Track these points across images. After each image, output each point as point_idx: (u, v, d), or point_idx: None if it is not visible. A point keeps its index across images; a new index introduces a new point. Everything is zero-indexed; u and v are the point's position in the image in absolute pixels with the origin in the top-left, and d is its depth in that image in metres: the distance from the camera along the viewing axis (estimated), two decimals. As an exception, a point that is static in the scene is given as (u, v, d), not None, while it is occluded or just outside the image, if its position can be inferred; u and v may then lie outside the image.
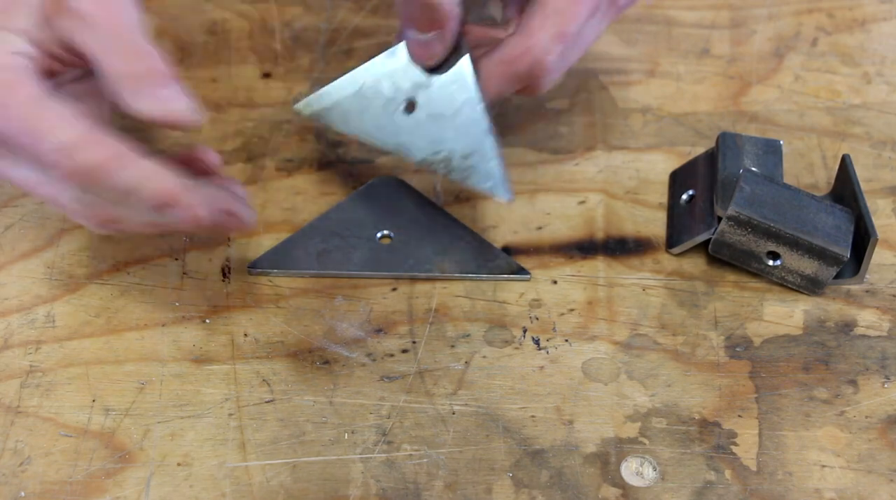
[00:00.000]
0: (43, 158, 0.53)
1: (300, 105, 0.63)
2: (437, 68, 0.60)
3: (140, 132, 0.63)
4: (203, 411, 0.57)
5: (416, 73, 0.61)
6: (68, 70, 0.56)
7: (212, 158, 0.58)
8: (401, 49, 0.61)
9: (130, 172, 0.53)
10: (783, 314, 0.61)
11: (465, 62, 0.60)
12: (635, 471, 0.55)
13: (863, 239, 0.60)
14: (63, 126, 0.52)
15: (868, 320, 0.61)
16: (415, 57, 0.60)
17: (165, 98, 0.54)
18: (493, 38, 0.63)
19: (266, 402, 0.58)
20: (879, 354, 0.59)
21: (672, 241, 0.63)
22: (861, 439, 0.56)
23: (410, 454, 0.56)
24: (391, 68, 0.61)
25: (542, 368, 0.59)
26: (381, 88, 0.62)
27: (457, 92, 0.60)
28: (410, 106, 0.61)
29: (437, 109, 0.61)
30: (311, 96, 0.63)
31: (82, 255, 0.63)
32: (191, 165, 0.58)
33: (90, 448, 0.56)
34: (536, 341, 0.60)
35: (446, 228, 0.64)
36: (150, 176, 0.53)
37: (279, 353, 0.59)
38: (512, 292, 0.62)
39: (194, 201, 0.54)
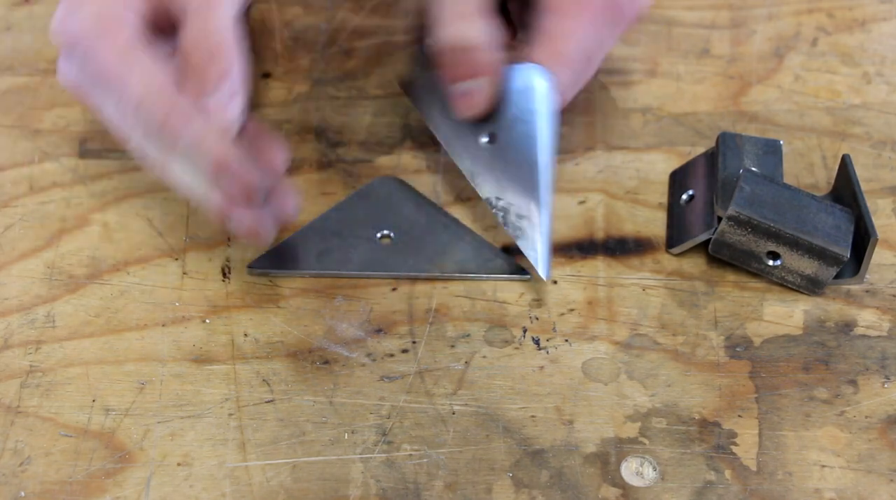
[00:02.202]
0: (123, 100, 0.55)
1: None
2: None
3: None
4: (203, 411, 0.57)
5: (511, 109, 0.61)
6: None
7: (279, 158, 0.58)
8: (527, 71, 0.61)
9: (193, 129, 0.54)
10: (783, 314, 0.61)
11: (544, 118, 0.60)
12: (635, 471, 0.55)
13: (863, 239, 0.60)
14: (144, 76, 0.55)
15: (868, 320, 0.61)
16: (458, 111, 0.60)
17: (218, 101, 0.56)
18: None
19: (266, 402, 0.58)
20: (879, 354, 0.59)
21: (672, 241, 0.63)
22: (861, 439, 0.56)
23: (410, 454, 0.56)
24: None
25: (542, 368, 0.59)
26: None
27: (529, 144, 0.61)
28: (493, 137, 0.62)
29: (511, 154, 0.61)
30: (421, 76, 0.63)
31: (82, 255, 0.63)
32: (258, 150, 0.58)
33: (90, 448, 0.56)
34: (536, 341, 0.60)
35: (446, 228, 0.64)
36: (211, 138, 0.55)
37: (279, 353, 0.59)
38: (512, 292, 0.62)
39: (248, 176, 0.55)
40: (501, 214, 0.61)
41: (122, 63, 0.56)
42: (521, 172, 0.61)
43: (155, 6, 0.58)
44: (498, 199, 0.61)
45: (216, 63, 0.56)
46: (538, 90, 0.61)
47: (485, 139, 0.62)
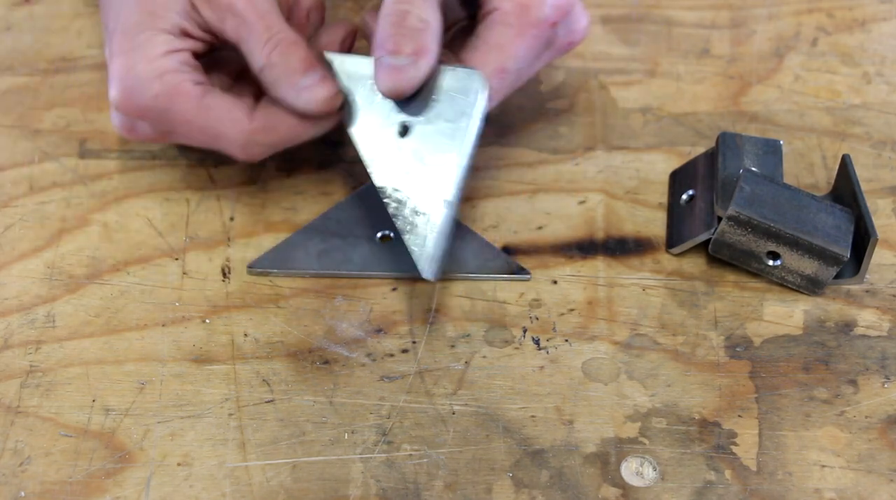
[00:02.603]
0: (221, 149, 0.61)
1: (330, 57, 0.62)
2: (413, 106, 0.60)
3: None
4: (203, 411, 0.57)
5: (430, 104, 0.60)
6: (212, 50, 0.62)
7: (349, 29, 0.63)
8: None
9: (309, 132, 0.60)
10: (783, 314, 0.61)
11: (474, 123, 0.59)
12: (635, 471, 0.55)
13: (863, 239, 0.60)
14: (235, 125, 0.59)
15: (868, 320, 0.61)
16: (383, 83, 0.58)
17: (304, 87, 0.58)
18: None
19: (266, 402, 0.58)
20: (879, 354, 0.59)
21: (672, 241, 0.63)
22: (861, 439, 0.56)
23: (410, 454, 0.56)
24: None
25: (542, 368, 0.59)
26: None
27: (448, 145, 0.59)
28: (406, 129, 0.60)
29: (425, 151, 0.59)
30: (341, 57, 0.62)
31: (82, 255, 0.63)
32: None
33: (90, 448, 0.56)
34: (536, 341, 0.60)
35: (446, 228, 0.64)
36: (325, 128, 0.61)
37: (279, 353, 0.59)
38: (512, 292, 0.62)
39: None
40: (395, 204, 0.59)
41: (204, 116, 0.59)
42: (431, 170, 0.59)
43: (198, 45, 0.61)
44: (395, 190, 0.59)
45: (297, 52, 0.59)
46: (473, 95, 0.59)
47: (396, 128, 0.60)
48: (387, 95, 0.59)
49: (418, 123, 0.59)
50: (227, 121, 0.59)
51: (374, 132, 0.60)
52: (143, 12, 0.59)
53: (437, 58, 0.58)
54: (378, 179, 0.60)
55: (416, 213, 0.59)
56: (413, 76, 0.58)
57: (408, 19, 0.58)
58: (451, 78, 0.59)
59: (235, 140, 0.59)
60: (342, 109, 0.61)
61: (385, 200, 0.59)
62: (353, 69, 0.61)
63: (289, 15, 0.63)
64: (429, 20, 0.58)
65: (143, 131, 0.61)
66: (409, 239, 0.59)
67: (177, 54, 0.59)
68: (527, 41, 0.61)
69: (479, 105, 0.58)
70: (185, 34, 0.60)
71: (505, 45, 0.60)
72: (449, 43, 0.64)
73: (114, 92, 0.59)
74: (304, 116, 0.59)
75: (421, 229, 0.58)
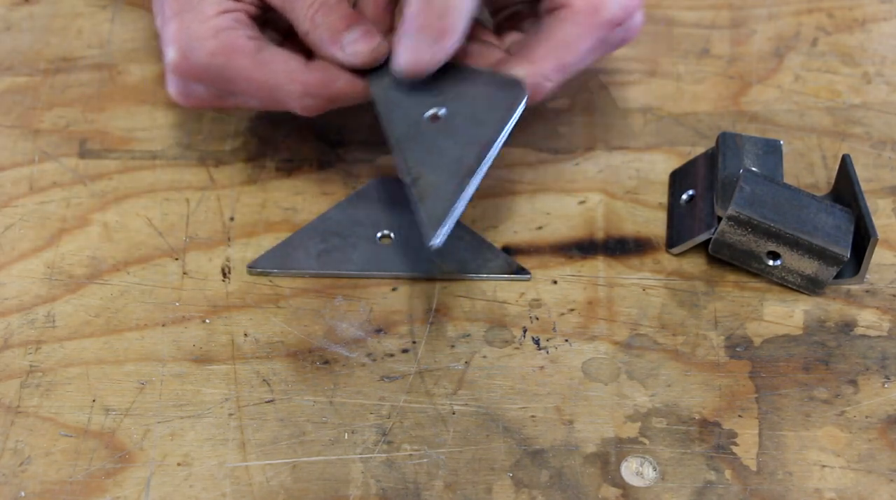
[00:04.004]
0: (280, 105, 0.61)
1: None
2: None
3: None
4: (203, 411, 0.57)
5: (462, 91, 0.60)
6: (264, 14, 0.62)
7: None
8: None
9: (362, 89, 0.61)
10: (783, 314, 0.61)
11: (507, 129, 0.58)
12: (635, 471, 0.55)
13: (863, 239, 0.60)
14: (293, 77, 0.60)
15: (868, 320, 0.61)
16: (402, 60, 0.58)
17: (348, 43, 0.59)
18: (490, 59, 0.63)
19: (266, 402, 0.58)
20: (879, 354, 0.59)
21: (672, 241, 0.63)
22: (861, 439, 0.56)
23: (410, 454, 0.56)
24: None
25: (542, 368, 0.59)
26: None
27: (476, 137, 0.58)
28: (435, 117, 0.59)
29: (450, 137, 0.58)
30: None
31: (82, 255, 0.63)
32: None
33: (90, 448, 0.56)
34: (536, 341, 0.60)
35: (446, 228, 0.64)
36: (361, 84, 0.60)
37: (279, 353, 0.59)
38: (512, 292, 0.62)
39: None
40: (411, 177, 0.57)
41: (262, 71, 0.60)
42: (453, 154, 0.58)
43: (250, 7, 0.61)
44: (417, 163, 0.58)
45: (339, 10, 0.60)
46: (511, 103, 0.59)
47: (426, 113, 0.59)
48: (403, 75, 0.58)
49: (451, 116, 0.59)
50: (284, 73, 0.59)
51: (404, 112, 0.60)
52: None
53: (462, 38, 0.58)
54: (400, 151, 0.59)
55: (432, 186, 0.57)
56: (433, 57, 0.58)
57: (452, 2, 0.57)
58: (492, 83, 0.60)
59: (293, 92, 0.60)
60: (379, 86, 0.61)
61: (402, 175, 0.58)
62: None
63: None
64: (468, 2, 0.57)
65: (199, 95, 0.62)
66: (422, 206, 0.57)
67: (230, 14, 0.60)
68: (592, 41, 0.61)
69: (516, 114, 0.59)
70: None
71: (571, 44, 0.60)
72: (498, 26, 0.64)
73: (171, 53, 0.60)
74: (354, 71, 0.60)
75: (436, 197, 0.57)
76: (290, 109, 0.61)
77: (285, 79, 0.60)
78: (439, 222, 0.56)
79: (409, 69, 0.58)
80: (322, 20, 0.60)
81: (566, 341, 0.60)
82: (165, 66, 0.61)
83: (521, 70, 0.60)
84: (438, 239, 0.56)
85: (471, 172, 0.57)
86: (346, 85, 0.60)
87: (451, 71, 0.60)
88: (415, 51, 0.58)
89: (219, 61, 0.59)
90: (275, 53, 0.60)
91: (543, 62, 0.60)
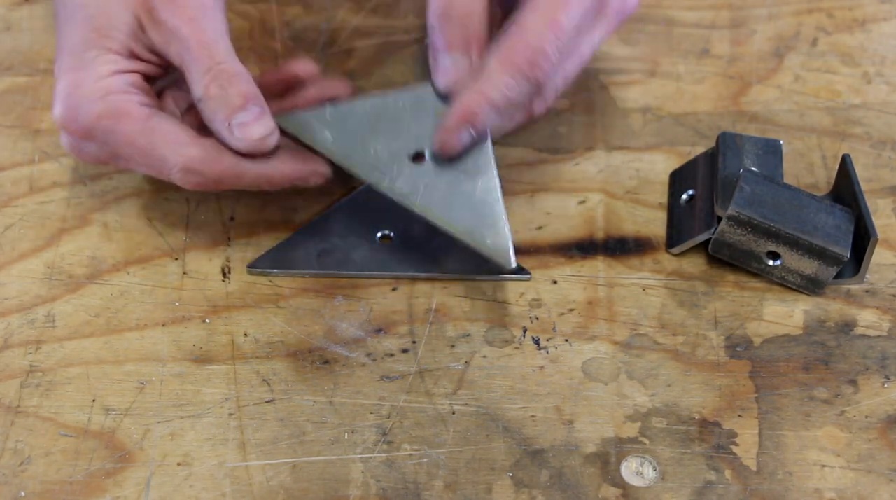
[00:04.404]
0: (163, 176, 0.58)
1: (281, 120, 0.60)
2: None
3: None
4: (203, 411, 0.57)
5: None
6: (167, 73, 0.61)
7: (307, 68, 0.63)
8: (426, 93, 0.60)
9: (249, 177, 0.58)
10: (783, 314, 0.61)
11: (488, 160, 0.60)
12: (635, 471, 0.55)
13: (863, 239, 0.60)
14: (178, 150, 0.57)
15: (868, 320, 0.61)
16: (442, 82, 0.59)
17: (238, 124, 0.57)
18: None
19: (266, 402, 0.58)
20: (879, 354, 0.59)
21: (672, 241, 0.63)
22: (861, 439, 0.56)
23: (410, 454, 0.56)
24: (412, 108, 0.61)
25: (542, 368, 0.59)
26: (398, 122, 0.60)
27: (473, 168, 0.60)
28: (419, 156, 0.60)
29: (449, 172, 0.60)
30: (302, 114, 0.61)
31: (82, 255, 0.63)
32: (288, 82, 0.63)
33: (90, 448, 0.56)
34: (536, 341, 0.60)
35: (446, 228, 0.64)
36: (267, 173, 0.58)
37: (279, 353, 0.59)
38: (512, 292, 0.62)
39: (307, 171, 0.60)
40: (452, 230, 0.59)
41: (147, 139, 0.58)
42: (468, 187, 0.59)
43: (149, 68, 0.60)
44: (449, 220, 0.59)
45: (237, 85, 0.58)
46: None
47: (409, 156, 0.60)
48: (445, 93, 0.59)
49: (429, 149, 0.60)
50: (170, 145, 0.57)
51: (396, 165, 0.60)
52: (90, 31, 0.58)
53: (486, 45, 0.58)
54: (418, 205, 0.60)
55: (474, 231, 0.59)
56: (463, 72, 0.59)
57: (454, 9, 0.57)
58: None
59: (175, 165, 0.58)
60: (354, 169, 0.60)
61: (438, 225, 0.59)
62: (341, 114, 0.61)
63: (281, 94, 0.63)
64: (474, 8, 0.58)
65: (90, 152, 0.60)
66: (482, 249, 0.59)
67: (124, 75, 0.58)
68: (576, 8, 0.59)
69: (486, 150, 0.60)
70: (134, 55, 0.59)
71: (561, 4, 0.58)
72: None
73: (58, 110, 0.58)
74: (242, 154, 0.58)
75: (490, 240, 0.59)
76: (175, 182, 0.59)
77: (168, 151, 0.57)
78: (508, 248, 0.59)
79: (451, 90, 0.59)
80: (216, 92, 0.57)
81: (566, 341, 0.60)
82: (54, 121, 0.59)
83: (515, 37, 0.58)
84: (513, 261, 0.59)
85: (501, 204, 0.59)
86: (230, 168, 0.58)
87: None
88: (451, 72, 0.59)
89: (105, 124, 0.57)
90: (162, 122, 0.58)
91: (534, 24, 0.58)
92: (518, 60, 0.58)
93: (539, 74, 0.58)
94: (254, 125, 0.57)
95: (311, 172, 0.60)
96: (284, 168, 0.59)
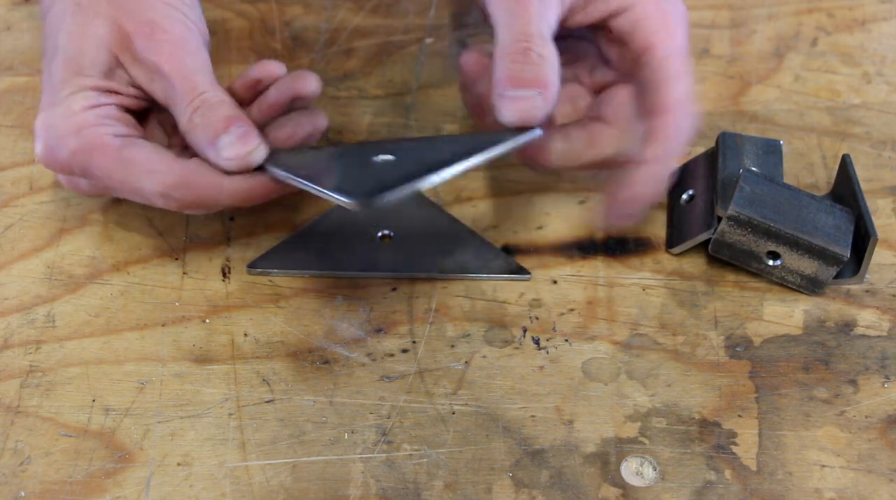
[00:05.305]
0: (149, 202, 0.59)
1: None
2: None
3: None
4: (203, 411, 0.57)
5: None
6: (149, 103, 0.61)
7: (272, 70, 0.62)
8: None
9: (226, 196, 0.58)
10: (783, 314, 0.61)
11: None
12: (635, 471, 0.55)
13: (863, 239, 0.60)
14: (153, 178, 0.58)
15: (868, 320, 0.61)
16: (509, 114, 0.57)
17: (223, 145, 0.57)
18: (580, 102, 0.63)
19: (266, 402, 0.58)
20: (879, 354, 0.59)
21: (672, 241, 0.63)
22: (861, 439, 0.56)
23: (410, 454, 0.56)
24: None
25: (542, 368, 0.59)
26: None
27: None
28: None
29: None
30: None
31: (82, 255, 0.63)
32: (255, 86, 0.62)
33: (90, 448, 0.56)
34: (536, 341, 0.60)
35: (446, 228, 0.64)
36: (243, 191, 0.58)
37: (279, 353, 0.59)
38: (512, 292, 0.62)
39: (279, 191, 0.59)
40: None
41: (123, 170, 0.58)
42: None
43: (128, 101, 0.60)
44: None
45: (219, 110, 0.58)
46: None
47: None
48: (513, 124, 0.57)
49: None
50: (145, 174, 0.58)
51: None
52: (66, 69, 0.59)
53: (557, 93, 0.58)
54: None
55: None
56: (538, 107, 0.57)
57: (529, 55, 0.57)
58: None
59: (153, 192, 0.58)
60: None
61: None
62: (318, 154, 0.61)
63: (252, 100, 0.63)
64: (547, 56, 0.58)
65: (78, 184, 0.61)
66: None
67: (98, 109, 0.58)
68: (686, 61, 0.60)
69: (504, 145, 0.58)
70: (111, 91, 0.59)
71: (683, 73, 0.60)
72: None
73: (38, 147, 0.59)
74: (227, 173, 0.58)
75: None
76: (160, 207, 0.59)
77: (144, 180, 0.58)
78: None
79: (519, 122, 0.57)
80: (200, 121, 0.58)
81: (566, 341, 0.60)
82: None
83: (667, 121, 0.59)
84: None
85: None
86: (207, 190, 0.58)
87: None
88: (520, 103, 0.57)
89: (80, 159, 0.58)
90: (137, 151, 0.58)
91: (679, 105, 0.59)
92: (679, 141, 0.60)
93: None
94: (237, 144, 0.57)
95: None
96: (263, 183, 0.59)
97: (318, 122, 0.62)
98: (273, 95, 0.62)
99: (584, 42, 0.64)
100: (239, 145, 0.57)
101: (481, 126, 0.63)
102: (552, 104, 0.57)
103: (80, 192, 0.62)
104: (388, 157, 0.57)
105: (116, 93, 0.59)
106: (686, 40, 0.61)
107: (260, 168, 0.58)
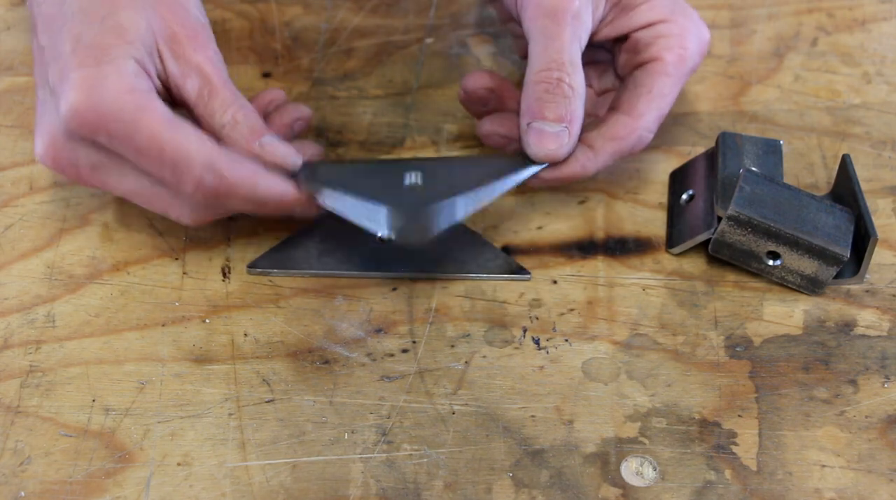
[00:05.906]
0: (171, 182, 0.57)
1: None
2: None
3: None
4: (203, 411, 0.57)
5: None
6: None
7: (273, 97, 0.65)
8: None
9: (264, 186, 0.58)
10: (783, 314, 0.61)
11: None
12: (635, 471, 0.55)
13: (863, 239, 0.60)
14: (203, 145, 0.57)
15: (868, 320, 0.61)
16: (536, 150, 0.60)
17: (267, 142, 0.59)
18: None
19: (266, 402, 0.58)
20: (879, 354, 0.59)
21: (672, 241, 0.63)
22: (861, 439, 0.56)
23: (410, 454, 0.56)
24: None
25: (542, 368, 0.59)
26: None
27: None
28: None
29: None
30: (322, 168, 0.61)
31: (82, 255, 0.63)
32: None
33: (90, 448, 0.56)
34: (536, 341, 0.60)
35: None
36: (278, 188, 0.58)
37: (279, 353, 0.59)
38: (512, 292, 0.62)
39: (307, 210, 0.60)
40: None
41: (173, 134, 0.56)
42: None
43: (156, 79, 0.59)
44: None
45: (257, 118, 0.59)
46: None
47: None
48: (540, 161, 0.60)
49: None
50: (194, 141, 0.56)
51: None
52: (112, 34, 0.57)
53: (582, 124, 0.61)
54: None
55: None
56: (564, 143, 0.60)
57: (560, 87, 0.59)
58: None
59: (199, 162, 0.56)
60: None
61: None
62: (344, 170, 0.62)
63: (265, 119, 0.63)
64: (577, 87, 0.60)
65: (73, 160, 0.58)
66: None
67: (147, 80, 0.57)
68: (679, 89, 0.63)
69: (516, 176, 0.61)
70: (155, 76, 0.58)
71: (667, 95, 0.63)
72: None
73: (73, 98, 0.55)
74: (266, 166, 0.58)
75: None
76: (181, 190, 0.57)
77: (193, 146, 0.56)
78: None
79: (546, 159, 0.60)
80: (242, 119, 0.58)
81: (566, 341, 0.60)
82: (53, 120, 0.57)
83: (628, 125, 0.61)
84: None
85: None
86: (248, 175, 0.57)
87: None
88: (549, 139, 0.60)
89: (128, 116, 0.55)
90: (185, 123, 0.57)
91: (647, 115, 0.62)
92: (623, 146, 0.62)
93: (631, 155, 0.63)
94: (280, 145, 0.59)
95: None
96: (296, 192, 0.59)
97: (302, 111, 0.64)
98: (278, 121, 0.63)
99: (601, 50, 0.66)
100: (282, 146, 0.59)
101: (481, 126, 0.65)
102: (577, 137, 0.60)
103: (60, 168, 0.58)
104: (416, 180, 0.60)
105: (149, 76, 0.58)
106: (696, 64, 0.64)
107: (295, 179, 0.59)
